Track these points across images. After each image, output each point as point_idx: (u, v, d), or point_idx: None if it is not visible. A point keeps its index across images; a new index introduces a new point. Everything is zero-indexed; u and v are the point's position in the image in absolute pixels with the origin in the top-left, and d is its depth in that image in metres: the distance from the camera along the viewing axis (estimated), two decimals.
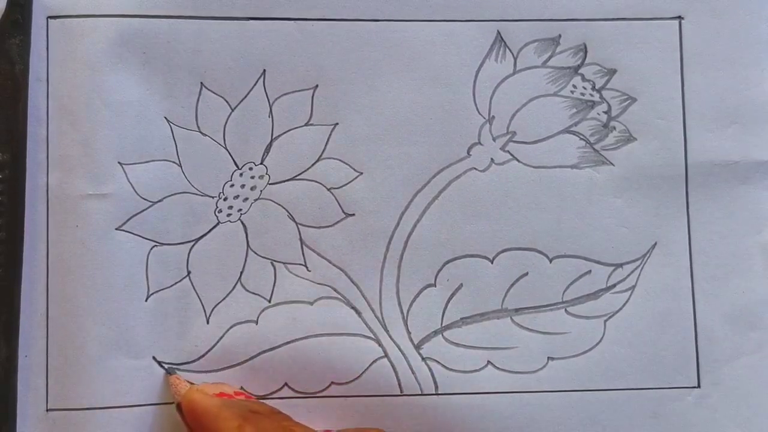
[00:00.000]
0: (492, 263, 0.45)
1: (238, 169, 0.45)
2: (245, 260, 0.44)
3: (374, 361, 0.45)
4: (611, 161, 0.46)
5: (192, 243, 0.44)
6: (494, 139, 0.46)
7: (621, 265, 0.46)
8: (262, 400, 0.43)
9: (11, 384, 0.42)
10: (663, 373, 0.45)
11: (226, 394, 0.40)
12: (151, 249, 0.44)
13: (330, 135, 0.45)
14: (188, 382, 0.42)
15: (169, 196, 0.44)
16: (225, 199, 0.45)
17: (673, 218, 0.46)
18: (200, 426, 0.38)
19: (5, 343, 0.42)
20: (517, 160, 0.46)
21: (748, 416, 0.45)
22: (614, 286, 0.46)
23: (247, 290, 0.44)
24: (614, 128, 0.46)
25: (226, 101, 0.45)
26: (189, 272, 0.44)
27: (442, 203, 0.45)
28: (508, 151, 0.46)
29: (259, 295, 0.44)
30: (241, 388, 0.44)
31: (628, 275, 0.46)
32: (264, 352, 0.44)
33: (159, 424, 0.43)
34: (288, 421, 0.39)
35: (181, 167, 0.44)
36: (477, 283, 0.45)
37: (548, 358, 0.45)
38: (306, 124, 0.45)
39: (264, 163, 0.45)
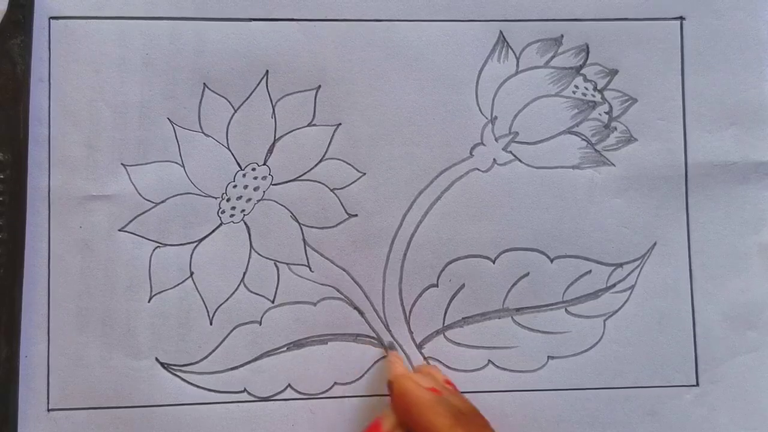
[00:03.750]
0: (494, 263, 0.46)
1: (241, 169, 0.45)
2: (248, 261, 0.44)
3: (377, 361, 0.45)
4: (612, 162, 0.46)
5: (195, 244, 0.44)
6: (497, 140, 0.46)
7: (621, 265, 0.46)
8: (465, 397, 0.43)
9: (12, 384, 0.42)
10: (662, 372, 0.46)
11: (437, 390, 0.40)
12: (154, 250, 0.44)
13: (333, 135, 0.45)
14: (402, 364, 0.42)
15: (172, 197, 0.44)
16: (228, 200, 0.44)
17: (673, 218, 0.47)
18: (409, 414, 0.39)
19: (6, 344, 0.42)
20: (519, 161, 0.46)
21: (746, 414, 0.46)
22: (614, 285, 0.46)
23: (251, 291, 0.44)
24: (615, 129, 0.46)
25: (229, 102, 0.45)
26: (192, 273, 0.44)
27: (445, 204, 0.45)
28: (511, 152, 0.46)
29: (262, 295, 0.44)
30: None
31: (628, 275, 0.46)
32: (267, 353, 0.44)
33: (160, 425, 0.43)
34: (487, 430, 0.40)
35: (184, 168, 0.44)
36: (479, 283, 0.45)
37: (548, 357, 0.46)
38: (309, 125, 0.45)
39: (267, 163, 0.45)
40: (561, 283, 0.46)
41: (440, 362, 0.45)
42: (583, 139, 0.46)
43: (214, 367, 0.44)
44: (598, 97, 0.46)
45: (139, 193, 0.44)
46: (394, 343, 0.44)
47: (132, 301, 0.44)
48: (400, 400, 0.39)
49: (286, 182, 0.45)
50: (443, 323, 0.45)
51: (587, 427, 0.45)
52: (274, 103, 0.45)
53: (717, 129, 0.47)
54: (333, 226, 0.45)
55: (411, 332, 0.45)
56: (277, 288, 0.45)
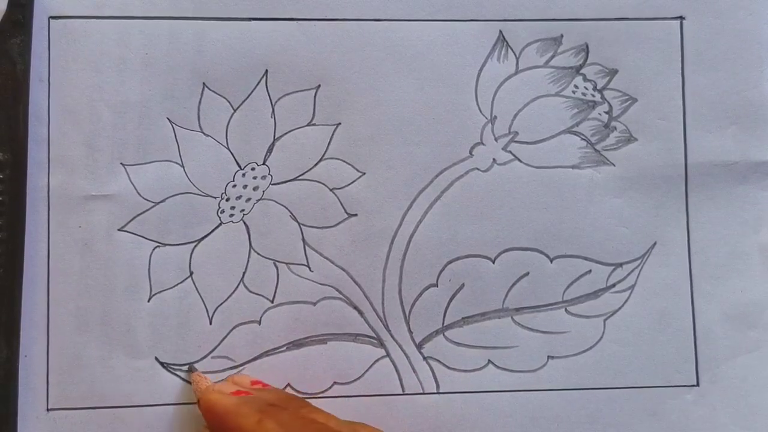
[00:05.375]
0: (493, 263, 0.46)
1: (241, 169, 0.45)
2: (248, 261, 0.44)
3: (376, 361, 0.45)
4: (612, 161, 0.46)
5: (194, 243, 0.44)
6: (496, 139, 0.46)
7: (621, 265, 0.46)
8: (276, 388, 0.43)
9: (11, 384, 0.42)
10: (662, 372, 0.46)
11: (242, 392, 0.40)
12: (154, 249, 0.44)
13: (332, 135, 0.45)
14: (207, 380, 0.42)
15: (172, 196, 0.44)
16: (227, 200, 0.44)
17: (673, 218, 0.47)
18: (220, 425, 0.39)
19: (6, 344, 0.42)
20: (519, 160, 0.46)
21: (747, 414, 0.46)
22: (614, 285, 0.46)
23: (250, 291, 0.44)
24: (615, 128, 0.46)
25: (229, 101, 0.45)
26: (191, 273, 0.44)
27: (445, 203, 0.45)
28: (510, 151, 0.46)
29: (261, 295, 0.44)
30: None
31: (628, 275, 0.46)
32: (267, 352, 0.44)
33: (160, 425, 0.43)
34: (306, 408, 0.40)
35: (184, 168, 0.44)
36: (478, 283, 0.45)
37: (548, 357, 0.46)
38: (308, 124, 0.45)
39: (266, 163, 0.45)
40: (561, 282, 0.46)
41: (440, 362, 0.45)
42: (583, 139, 0.46)
43: (214, 367, 0.44)
44: (597, 97, 0.46)
45: (139, 193, 0.44)
46: (194, 365, 0.44)
47: (131, 300, 0.44)
48: (208, 413, 0.39)
49: (286, 182, 0.45)
50: (443, 323, 0.45)
51: (587, 427, 0.45)
52: (273, 103, 0.45)
53: (717, 129, 0.47)
54: (332, 226, 0.45)
55: (411, 332, 0.45)
56: (276, 288, 0.45)
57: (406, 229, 0.45)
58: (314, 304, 0.45)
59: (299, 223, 0.45)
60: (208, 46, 0.45)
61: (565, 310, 0.46)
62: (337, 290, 0.45)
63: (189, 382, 0.44)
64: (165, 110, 0.44)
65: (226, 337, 0.44)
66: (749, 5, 0.47)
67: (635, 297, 0.46)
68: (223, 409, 0.38)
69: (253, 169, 0.45)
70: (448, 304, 0.45)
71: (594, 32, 0.46)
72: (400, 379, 0.45)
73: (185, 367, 0.44)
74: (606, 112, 0.46)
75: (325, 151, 0.45)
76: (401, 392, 0.45)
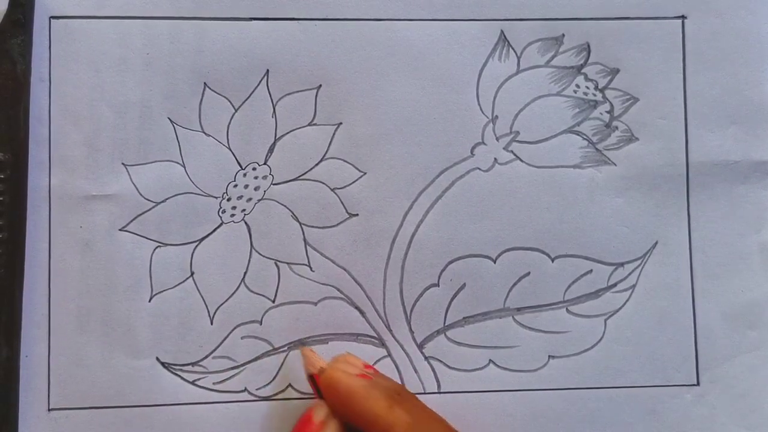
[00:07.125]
0: (494, 263, 0.46)
1: (242, 169, 0.45)
2: (249, 260, 0.44)
3: (378, 361, 0.45)
4: (613, 161, 0.46)
5: (195, 243, 0.44)
6: (497, 139, 0.46)
7: (622, 265, 0.46)
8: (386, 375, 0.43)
9: (12, 384, 0.42)
10: (662, 372, 0.46)
11: (366, 376, 0.40)
12: (155, 249, 0.44)
13: (333, 135, 0.45)
14: (320, 356, 0.42)
15: (173, 196, 0.44)
16: (228, 200, 0.44)
17: (674, 218, 0.47)
18: (343, 404, 0.39)
19: (6, 343, 0.42)
20: (520, 160, 0.46)
21: (747, 414, 0.46)
22: (615, 285, 0.46)
23: (251, 291, 0.44)
24: (616, 128, 0.46)
25: (230, 101, 0.45)
26: (192, 273, 0.44)
27: (446, 203, 0.45)
28: (512, 151, 0.46)
29: (263, 295, 0.44)
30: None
31: (629, 274, 0.46)
32: (268, 352, 0.44)
33: (161, 425, 0.43)
34: (420, 403, 0.41)
35: (185, 168, 0.44)
36: (480, 283, 0.45)
37: (549, 356, 0.46)
38: (309, 124, 0.45)
39: (267, 163, 0.45)
40: (562, 282, 0.46)
41: (441, 362, 0.45)
42: (584, 139, 0.46)
43: (215, 367, 0.44)
44: (599, 97, 0.46)
45: (140, 193, 0.44)
46: (303, 340, 0.44)
47: (132, 300, 0.44)
48: (331, 391, 0.39)
49: (287, 182, 0.45)
50: (444, 323, 0.45)
51: (587, 427, 0.45)
52: (274, 103, 0.45)
53: (718, 128, 0.47)
54: (334, 226, 0.45)
55: (412, 332, 0.45)
56: (277, 288, 0.45)
57: (408, 228, 0.45)
58: (315, 304, 0.45)
59: (300, 223, 0.45)
60: (209, 45, 0.44)
61: (566, 309, 0.46)
62: (339, 290, 0.45)
63: (190, 382, 0.44)
64: (166, 110, 0.44)
65: (227, 337, 0.44)
66: (751, 5, 0.47)
67: (636, 297, 0.46)
68: (349, 390, 0.39)
69: (254, 169, 0.45)
70: (450, 303, 0.45)
71: (595, 32, 0.46)
72: (402, 379, 0.45)
73: (189, 366, 0.44)
74: (607, 112, 0.46)
75: (326, 150, 0.45)
76: None
